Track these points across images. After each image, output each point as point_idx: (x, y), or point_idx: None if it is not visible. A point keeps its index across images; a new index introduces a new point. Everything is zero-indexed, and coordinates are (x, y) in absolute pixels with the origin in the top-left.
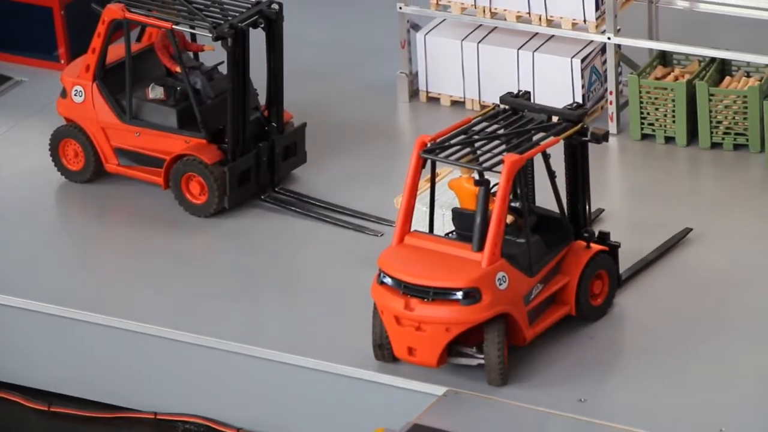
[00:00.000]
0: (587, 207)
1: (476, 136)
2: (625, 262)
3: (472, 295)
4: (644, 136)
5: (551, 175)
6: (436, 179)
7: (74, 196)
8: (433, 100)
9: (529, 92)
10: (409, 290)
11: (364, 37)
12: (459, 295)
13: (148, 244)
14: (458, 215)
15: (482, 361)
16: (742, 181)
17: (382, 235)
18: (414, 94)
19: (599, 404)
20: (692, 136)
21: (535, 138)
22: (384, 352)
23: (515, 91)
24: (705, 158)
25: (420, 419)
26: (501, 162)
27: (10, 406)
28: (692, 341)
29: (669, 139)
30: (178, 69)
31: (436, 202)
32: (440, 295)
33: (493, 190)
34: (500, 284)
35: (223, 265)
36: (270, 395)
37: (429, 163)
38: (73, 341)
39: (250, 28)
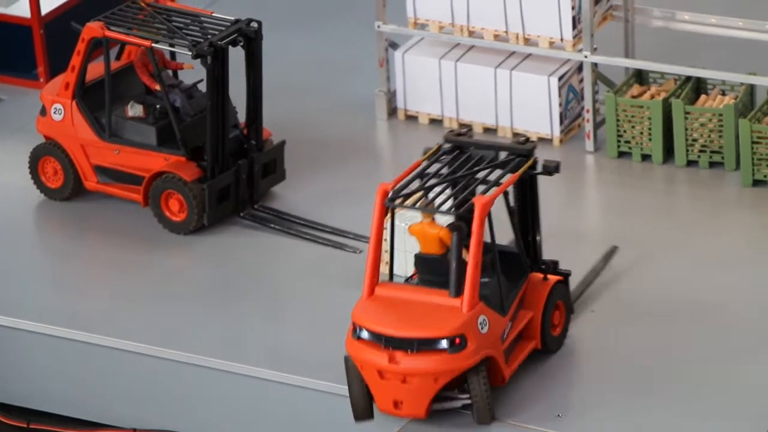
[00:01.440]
0: (539, 238)
1: (434, 179)
2: (599, 282)
3: (458, 343)
4: (621, 154)
5: (511, 211)
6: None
7: (54, 213)
8: (412, 118)
9: (472, 129)
10: (391, 343)
11: (342, 55)
12: (445, 343)
13: (127, 261)
14: (421, 260)
15: (467, 401)
16: (718, 199)
17: (360, 251)
18: (392, 112)
19: (575, 419)
20: (668, 153)
21: (491, 176)
22: (367, 412)
23: (457, 129)
24: (681, 176)
25: None
26: (472, 205)
27: None
28: (668, 356)
29: (645, 157)
30: (157, 87)
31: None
32: (425, 345)
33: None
34: (482, 328)
35: (202, 282)
36: (249, 411)
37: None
38: (52, 358)
39: (230, 46)
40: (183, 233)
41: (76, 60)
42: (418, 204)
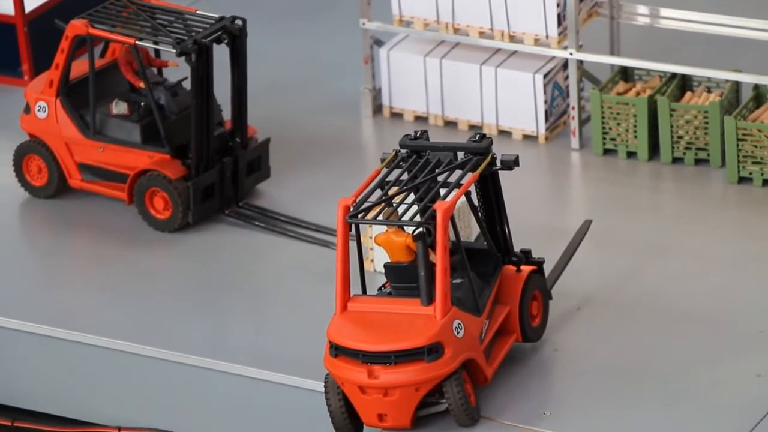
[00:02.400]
0: (507, 231)
1: (394, 188)
2: (580, 279)
3: (435, 351)
4: (606, 151)
5: (475, 210)
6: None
7: (38, 211)
8: (397, 115)
9: (427, 131)
10: (368, 358)
11: (327, 52)
12: (422, 353)
13: (111, 259)
14: (392, 269)
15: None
16: (703, 196)
17: None
18: (377, 109)
19: (561, 417)
20: (654, 151)
21: (450, 179)
22: (350, 427)
23: (412, 133)
24: (666, 173)
25: None
26: (433, 213)
27: None
28: (652, 354)
29: (631, 154)
30: (141, 84)
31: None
32: (403, 357)
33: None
34: (458, 333)
35: (187, 280)
36: (233, 409)
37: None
38: (36, 356)
39: (214, 44)
40: (168, 231)
41: (60, 58)
42: (381, 216)
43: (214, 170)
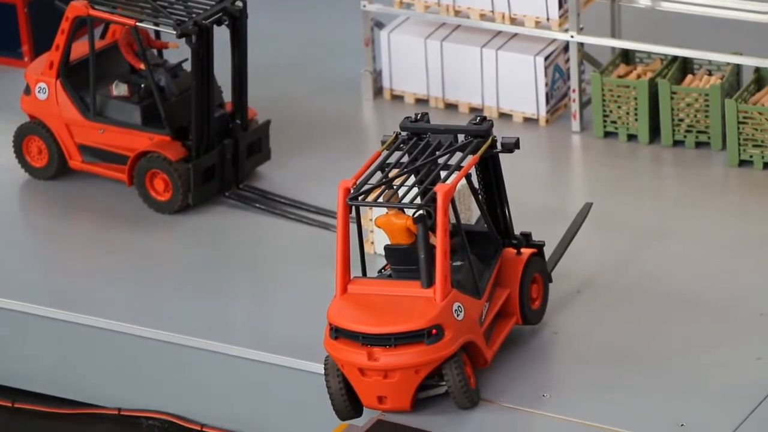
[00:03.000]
0: (508, 213)
1: (395, 170)
2: (580, 262)
3: (434, 333)
4: (607, 134)
5: (475, 192)
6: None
7: (38, 192)
8: (397, 98)
9: (427, 114)
10: (368, 340)
11: (328, 34)
12: (422, 335)
13: (112, 240)
14: (392, 251)
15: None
16: (704, 179)
17: None
18: (378, 91)
19: (561, 400)
20: (654, 133)
21: (451, 161)
22: (349, 408)
23: (413, 116)
24: (667, 156)
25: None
26: (434, 195)
27: None
28: (652, 337)
29: (631, 137)
30: (142, 66)
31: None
32: (402, 339)
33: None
34: (458, 315)
35: (187, 262)
36: (234, 391)
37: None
38: (36, 337)
39: (215, 26)
40: (168, 213)
41: (60, 39)
42: (381, 198)
43: (214, 152)
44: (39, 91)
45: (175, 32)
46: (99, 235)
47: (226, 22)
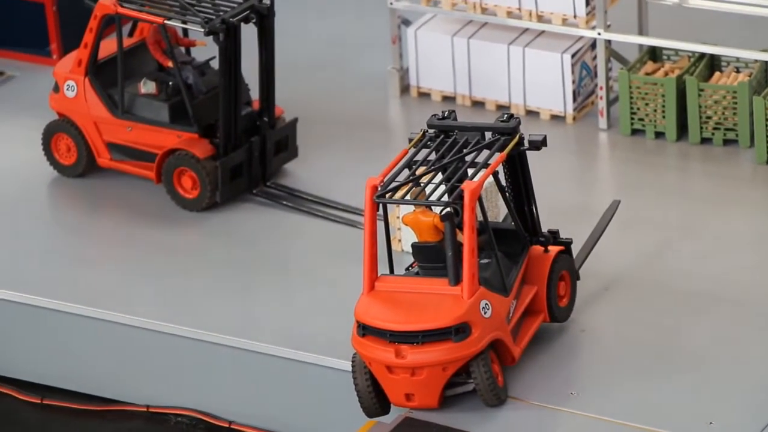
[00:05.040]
0: (535, 211)
1: (422, 168)
2: (608, 259)
3: (462, 331)
4: (634, 132)
5: (503, 190)
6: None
7: (67, 190)
8: (424, 95)
9: (454, 111)
10: (396, 338)
11: (355, 32)
12: (449, 333)
13: (140, 238)
14: (419, 249)
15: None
16: (732, 177)
17: None
18: (405, 89)
19: (588, 397)
20: (682, 131)
21: (478, 159)
22: (377, 406)
23: (440, 113)
24: (694, 153)
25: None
26: (461, 192)
27: (3, 399)
28: (680, 334)
29: (659, 135)
30: (170, 64)
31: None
32: (430, 337)
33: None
34: (485, 312)
35: (214, 260)
36: (261, 388)
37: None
38: (65, 334)
39: (242, 24)
40: (195, 210)
41: (88, 37)
42: (408, 196)
43: (241, 150)
44: (67, 89)
45: (203, 30)
46: (127, 232)
47: (254, 20)
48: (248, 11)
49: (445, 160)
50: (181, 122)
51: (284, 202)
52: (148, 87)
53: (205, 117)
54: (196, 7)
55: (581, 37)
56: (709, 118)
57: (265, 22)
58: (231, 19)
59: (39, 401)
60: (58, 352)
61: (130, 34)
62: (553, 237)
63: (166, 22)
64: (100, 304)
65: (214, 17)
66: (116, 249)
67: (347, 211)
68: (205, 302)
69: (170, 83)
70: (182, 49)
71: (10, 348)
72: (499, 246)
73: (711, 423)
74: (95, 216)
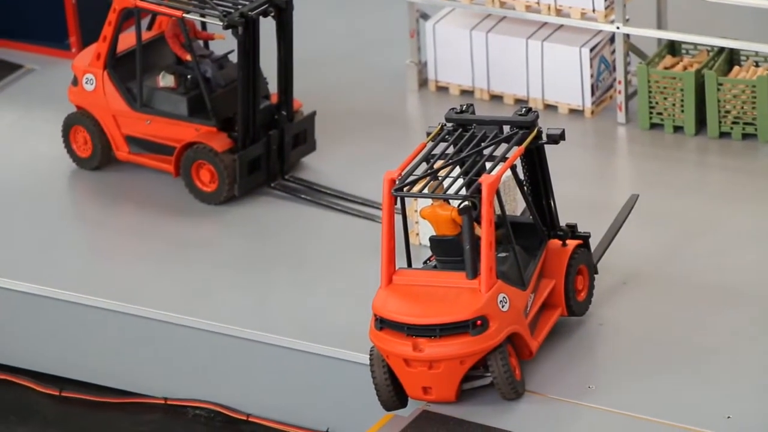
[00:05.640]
0: (553, 205)
1: (440, 161)
2: (626, 254)
3: (480, 324)
4: (653, 126)
5: (521, 184)
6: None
7: (85, 183)
8: (442, 89)
9: (472, 105)
10: (413, 331)
11: (373, 26)
12: (467, 326)
13: (158, 231)
14: (437, 243)
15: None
16: (750, 171)
17: None
18: (423, 83)
19: (606, 391)
20: (701, 125)
21: (496, 152)
22: (394, 399)
23: (458, 107)
24: (713, 148)
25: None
26: (479, 186)
27: (22, 391)
28: (698, 329)
29: (677, 129)
30: (188, 57)
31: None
32: (447, 330)
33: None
34: (503, 306)
35: (232, 253)
36: (279, 381)
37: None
38: (84, 326)
39: (261, 17)
40: (214, 203)
41: (107, 30)
42: (426, 190)
43: (260, 143)
44: (86, 82)
45: (221, 23)
46: (145, 225)
47: (273, 14)
48: (267, 5)
49: (463, 154)
50: (199, 115)
51: (302, 196)
52: (166, 80)
53: (224, 110)
54: (215, 1)
55: (600, 31)
56: (728, 112)
57: (284, 16)
58: (250, 13)
59: (58, 393)
60: (76, 344)
61: (149, 28)
62: (571, 231)
63: (184, 15)
64: (118, 297)
65: (232, 11)
66: (135, 242)
67: (365, 204)
68: (224, 295)
69: (189, 77)
70: (201, 42)
71: (28, 340)
72: (517, 240)
73: (729, 417)
74: (114, 209)
